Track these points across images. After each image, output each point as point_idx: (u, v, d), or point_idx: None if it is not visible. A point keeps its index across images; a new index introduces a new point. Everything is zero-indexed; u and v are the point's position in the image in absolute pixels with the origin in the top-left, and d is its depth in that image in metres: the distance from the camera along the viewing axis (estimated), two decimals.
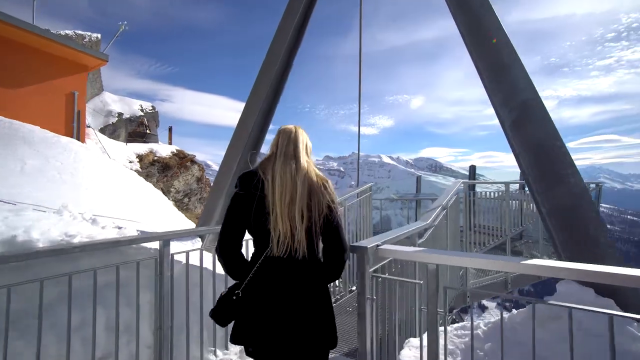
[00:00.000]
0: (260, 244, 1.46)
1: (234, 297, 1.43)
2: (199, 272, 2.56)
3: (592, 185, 7.51)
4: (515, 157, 2.60)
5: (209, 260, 2.79)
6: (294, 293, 1.41)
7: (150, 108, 17.40)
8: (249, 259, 1.52)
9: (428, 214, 3.30)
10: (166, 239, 2.34)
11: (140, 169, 10.28)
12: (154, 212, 5.58)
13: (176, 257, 2.41)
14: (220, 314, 1.45)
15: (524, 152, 2.47)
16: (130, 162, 10.25)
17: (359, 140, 6.75)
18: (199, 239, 3.48)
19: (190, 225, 6.04)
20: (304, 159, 1.49)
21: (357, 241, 2.66)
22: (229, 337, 1.63)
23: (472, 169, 11.52)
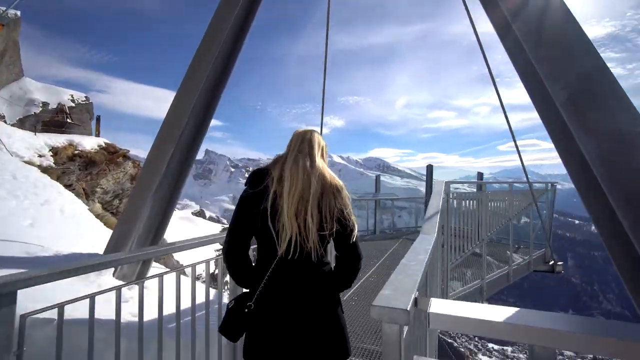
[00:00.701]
0: (266, 247, 1.37)
1: (246, 310, 1.34)
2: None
3: (543, 185, 7.64)
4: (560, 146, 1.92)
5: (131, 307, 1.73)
6: (305, 302, 1.35)
7: (84, 99, 15.55)
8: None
9: (431, 224, 2.55)
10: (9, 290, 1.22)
11: (53, 165, 8.39)
12: (41, 226, 4.18)
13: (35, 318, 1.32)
14: (230, 328, 1.36)
15: (588, 135, 1.79)
16: (41, 156, 8.32)
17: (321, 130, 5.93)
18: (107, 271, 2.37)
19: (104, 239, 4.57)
20: (318, 160, 1.42)
21: None
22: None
23: (430, 168, 11.37)
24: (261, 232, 1.35)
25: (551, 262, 6.95)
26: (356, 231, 1.40)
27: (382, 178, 11.50)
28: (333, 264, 1.47)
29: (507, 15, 2.16)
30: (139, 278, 3.12)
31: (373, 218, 9.80)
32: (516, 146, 4.97)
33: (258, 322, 1.33)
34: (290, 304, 1.33)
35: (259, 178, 1.37)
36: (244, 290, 1.41)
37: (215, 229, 16.42)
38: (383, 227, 10.06)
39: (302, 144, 1.42)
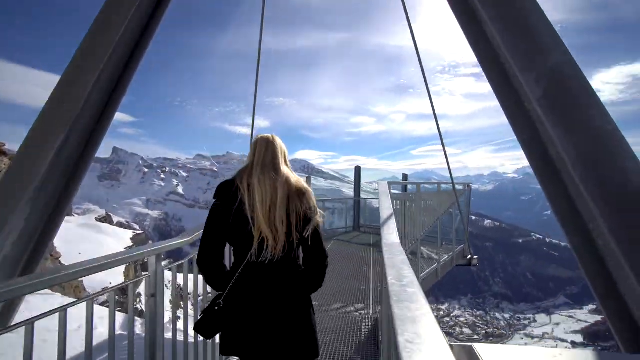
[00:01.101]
0: (241, 252, 1.46)
1: (216, 308, 1.42)
2: None
3: (461, 187, 8.29)
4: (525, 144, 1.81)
5: None
6: (275, 300, 1.43)
7: None
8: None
9: (390, 228, 2.29)
10: None
11: None
12: None
13: None
14: (204, 326, 1.43)
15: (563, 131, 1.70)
16: None
17: (252, 131, 5.41)
18: None
19: None
20: (282, 167, 1.52)
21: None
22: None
23: (358, 170, 11.58)
24: (234, 239, 1.48)
25: (469, 257, 7.54)
26: (321, 230, 1.52)
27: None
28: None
29: (478, 7, 2.02)
30: None
31: None
32: (444, 149, 5.18)
33: (228, 319, 1.42)
34: (258, 303, 1.42)
35: (227, 190, 1.48)
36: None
37: (126, 236, 14.34)
38: None
39: (267, 152, 1.51)
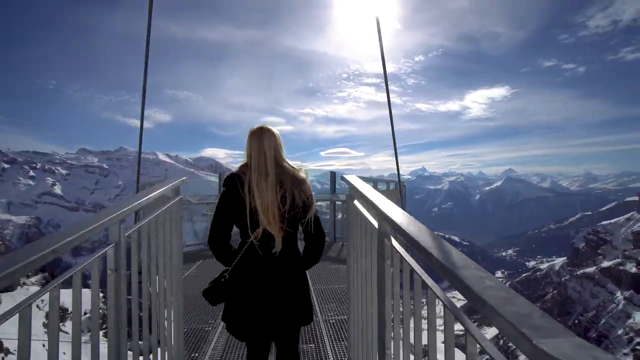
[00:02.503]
0: (244, 233, 1.71)
1: (222, 280, 1.70)
2: None
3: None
4: None
5: None
6: (273, 276, 1.67)
7: None
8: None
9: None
10: None
11: None
12: None
13: None
14: (211, 293, 1.71)
15: None
16: None
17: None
18: None
19: None
20: (279, 159, 1.71)
21: None
22: None
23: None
24: (240, 223, 1.70)
25: None
26: (317, 214, 1.76)
27: (214, 179, 10.11)
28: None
29: None
30: None
31: None
32: (395, 151, 5.04)
33: (232, 290, 1.69)
34: (259, 278, 1.67)
35: (233, 182, 1.70)
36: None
37: None
38: None
39: (260, 156, 1.68)
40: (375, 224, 1.66)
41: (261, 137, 1.70)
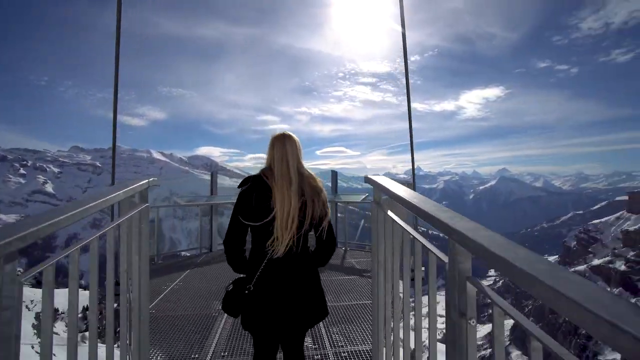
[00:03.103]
0: (260, 242, 1.67)
1: (246, 292, 1.67)
2: None
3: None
4: None
5: None
6: (293, 285, 1.69)
7: None
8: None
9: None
10: None
11: None
12: None
13: None
14: (232, 306, 1.69)
15: None
16: None
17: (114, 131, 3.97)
18: None
19: None
20: (301, 169, 1.72)
21: None
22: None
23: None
24: (257, 231, 1.67)
25: None
26: (330, 222, 1.77)
27: (206, 177, 9.50)
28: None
29: None
30: None
31: (209, 226, 7.55)
32: (412, 149, 4.61)
33: (256, 299, 1.67)
34: (282, 285, 1.68)
35: (258, 184, 1.68)
36: (240, 275, 1.75)
37: None
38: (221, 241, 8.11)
39: (282, 163, 1.68)
40: (441, 255, 1.06)
41: (284, 144, 1.72)
